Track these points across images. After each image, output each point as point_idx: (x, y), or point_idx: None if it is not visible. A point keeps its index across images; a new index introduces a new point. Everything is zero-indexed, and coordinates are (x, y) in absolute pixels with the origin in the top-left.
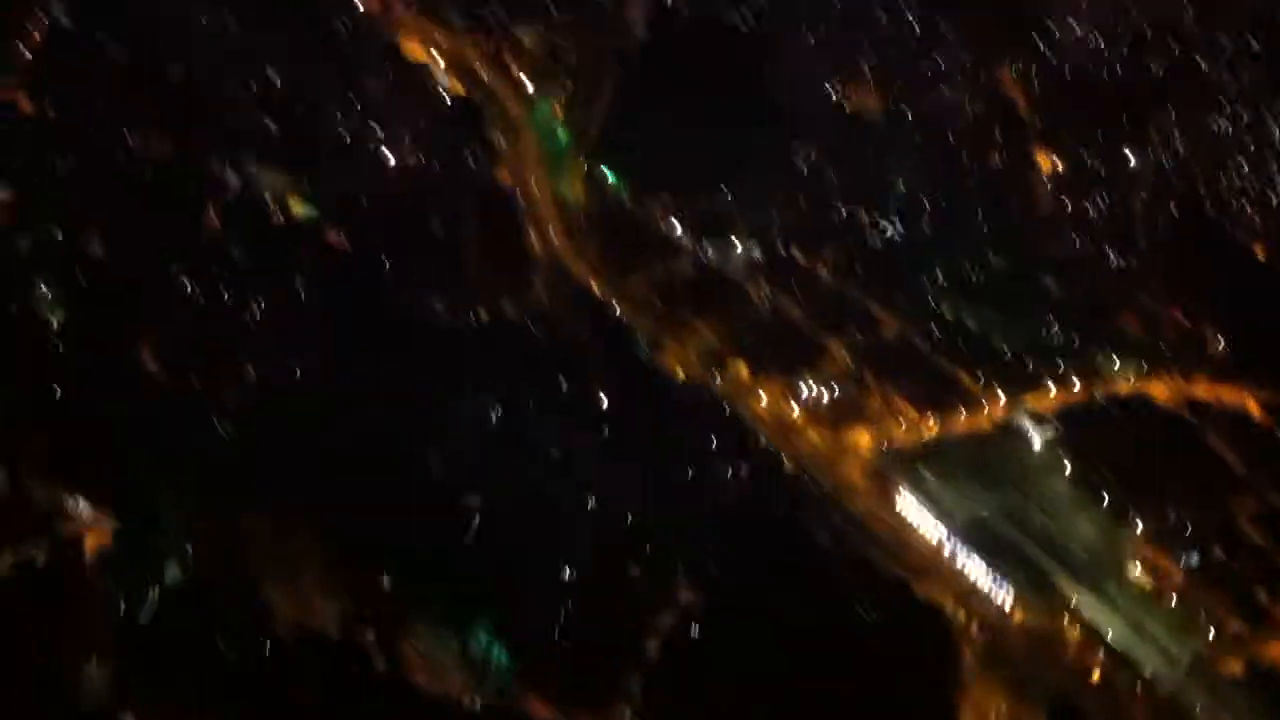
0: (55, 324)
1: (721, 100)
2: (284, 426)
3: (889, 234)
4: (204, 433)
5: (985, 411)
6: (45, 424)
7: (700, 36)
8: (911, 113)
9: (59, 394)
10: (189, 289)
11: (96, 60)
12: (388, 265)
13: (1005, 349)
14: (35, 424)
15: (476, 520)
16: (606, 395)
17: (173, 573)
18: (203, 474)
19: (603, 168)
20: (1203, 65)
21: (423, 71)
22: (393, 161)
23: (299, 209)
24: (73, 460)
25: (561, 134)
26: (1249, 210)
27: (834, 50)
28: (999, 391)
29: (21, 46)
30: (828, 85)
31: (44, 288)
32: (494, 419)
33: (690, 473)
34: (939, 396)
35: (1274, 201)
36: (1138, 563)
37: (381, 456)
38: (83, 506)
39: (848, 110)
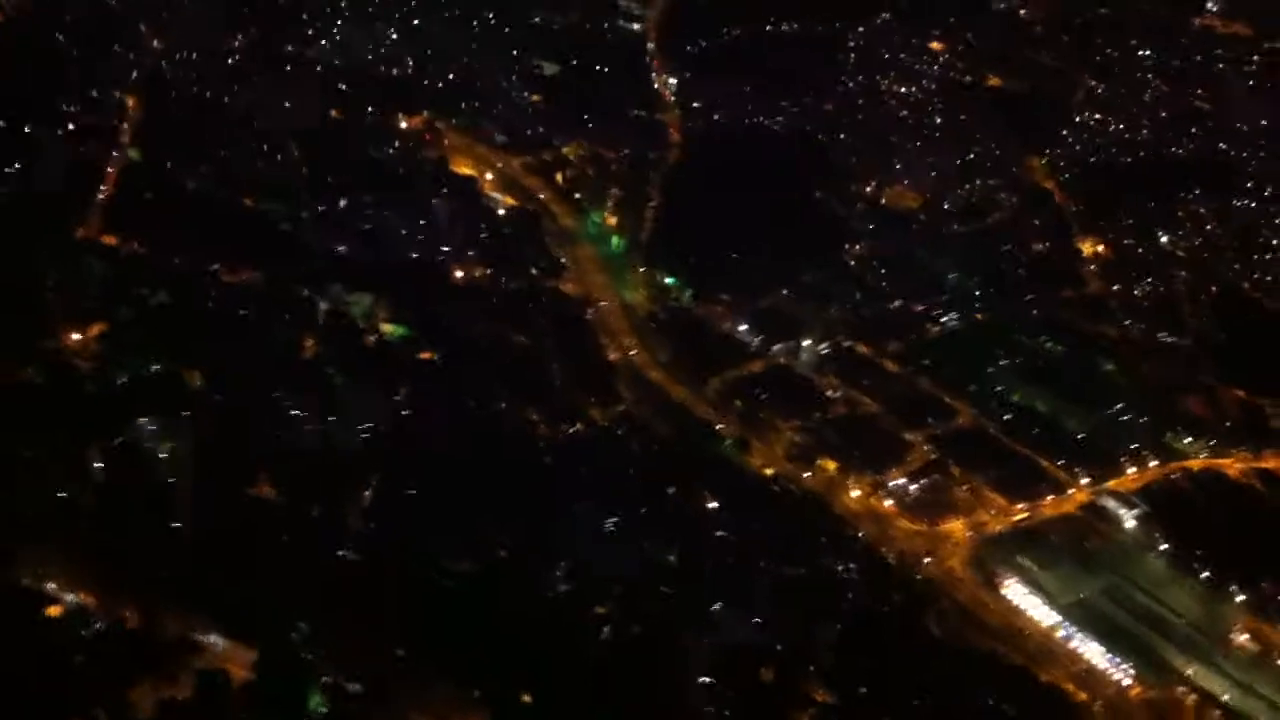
0: (163, 456)
1: (763, 202)
2: (407, 547)
3: (947, 323)
4: (330, 558)
5: (1070, 494)
6: (171, 558)
7: (736, 141)
8: (949, 205)
9: (179, 526)
10: (294, 414)
11: (172, 194)
12: (479, 379)
13: (1077, 431)
14: (160, 558)
15: (607, 629)
16: (712, 498)
17: (315, 701)
18: (333, 600)
19: (661, 272)
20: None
21: (474, 188)
22: (459, 275)
23: (389, 329)
24: (204, 593)
25: (616, 241)
26: None
27: (868, 149)
28: (1080, 474)
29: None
30: (864, 184)
31: (145, 420)
32: (608, 527)
33: (803, 571)
34: (1023, 482)
35: None
36: (1243, 631)
37: (505, 570)
38: (216, 639)
39: (886, 205)
